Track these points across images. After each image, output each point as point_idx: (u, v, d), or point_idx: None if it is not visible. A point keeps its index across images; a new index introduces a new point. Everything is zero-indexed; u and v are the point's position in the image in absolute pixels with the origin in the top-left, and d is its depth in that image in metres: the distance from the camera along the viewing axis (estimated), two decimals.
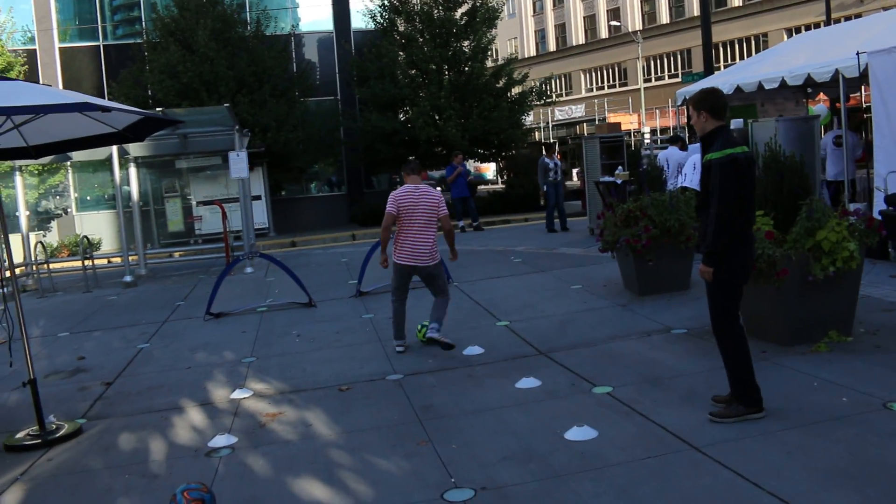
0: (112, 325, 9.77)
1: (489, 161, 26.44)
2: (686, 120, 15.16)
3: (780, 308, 5.86)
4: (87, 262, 13.30)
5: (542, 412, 5.19)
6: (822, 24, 23.15)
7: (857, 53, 9.77)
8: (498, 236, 16.57)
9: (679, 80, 43.04)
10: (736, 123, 11.38)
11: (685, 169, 11.46)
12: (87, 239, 13.81)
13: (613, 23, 46.56)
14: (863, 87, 10.71)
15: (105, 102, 5.58)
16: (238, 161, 13.10)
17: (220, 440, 5.20)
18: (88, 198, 25.76)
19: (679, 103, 14.26)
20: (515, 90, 24.88)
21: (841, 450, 4.12)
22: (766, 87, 11.81)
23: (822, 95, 16.34)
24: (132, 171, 14.11)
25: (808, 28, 31.81)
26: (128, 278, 13.04)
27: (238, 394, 6.29)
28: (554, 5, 54.59)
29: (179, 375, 7.10)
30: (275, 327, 8.79)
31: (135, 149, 14.11)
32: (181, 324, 9.52)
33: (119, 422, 5.87)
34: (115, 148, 13.01)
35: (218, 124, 13.51)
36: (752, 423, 4.58)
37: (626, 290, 8.70)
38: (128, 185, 14.65)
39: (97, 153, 14.40)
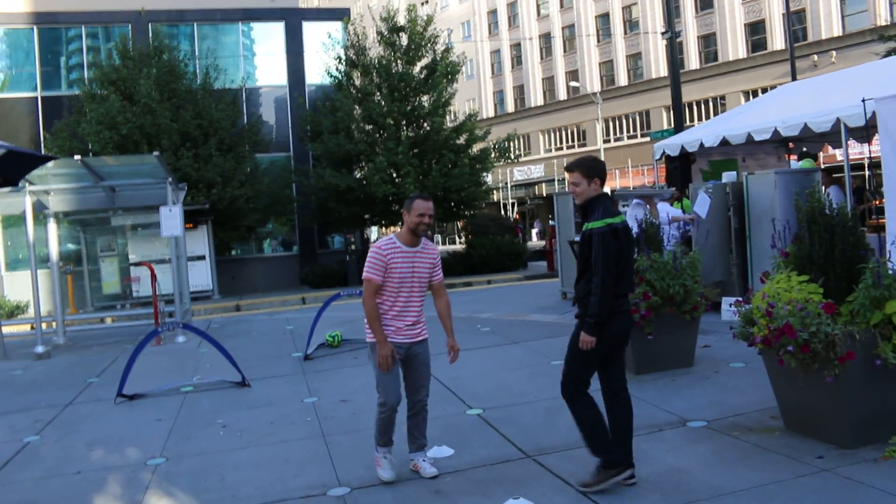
0: (2, 408, 8.11)
1: (449, 221, 25.22)
2: (665, 176, 14.15)
3: (840, 400, 4.57)
4: None
5: None
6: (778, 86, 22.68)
7: (864, 100, 8.76)
8: (461, 300, 15.17)
9: (638, 140, 42.87)
10: (728, 177, 10.31)
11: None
12: None
13: (573, 83, 46.38)
14: (846, 142, 9.87)
15: None
16: (170, 217, 11.61)
17: None
18: (20, 256, 23.81)
19: (657, 157, 13.23)
20: (476, 147, 23.86)
21: None
22: (757, 138, 10.79)
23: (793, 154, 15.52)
24: (51, 227, 12.52)
25: (765, 91, 31.65)
26: (39, 349, 11.33)
27: None
28: (512, 67, 54.50)
29: (62, 485, 5.51)
30: (197, 414, 7.24)
31: (55, 203, 12.57)
32: (86, 408, 7.90)
33: None
34: (27, 202, 11.45)
35: (149, 176, 12.03)
36: None
37: None
38: (46, 243, 13.01)
39: (12, 207, 12.80)
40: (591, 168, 4.59)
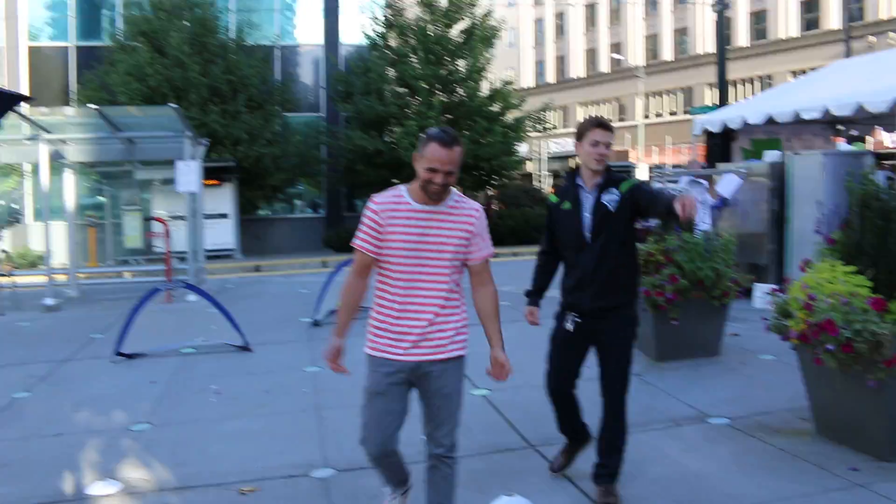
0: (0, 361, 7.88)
1: (479, 189, 24.70)
2: (705, 154, 13.49)
3: (882, 407, 4.07)
4: (7, 279, 11.43)
5: None
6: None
7: None
8: None
9: (679, 117, 41.74)
10: (771, 156, 9.68)
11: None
12: (6, 252, 11.91)
13: (616, 56, 45.26)
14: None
15: None
16: (187, 172, 11.29)
17: None
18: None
19: (697, 133, 12.57)
20: (511, 115, 23.24)
21: None
22: (805, 116, 10.11)
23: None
24: (69, 177, 12.28)
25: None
26: (48, 301, 11.14)
27: (100, 487, 4.41)
28: (555, 37, 53.36)
29: (40, 447, 5.22)
30: (193, 378, 6.92)
31: (72, 153, 12.31)
32: (83, 365, 7.64)
33: None
34: (43, 151, 11.20)
35: (168, 129, 11.69)
36: None
37: (640, 353, 6.84)
38: (62, 193, 12.79)
39: (29, 156, 12.56)
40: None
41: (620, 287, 3.89)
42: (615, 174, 3.92)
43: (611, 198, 3.81)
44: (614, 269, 3.83)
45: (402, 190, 3.24)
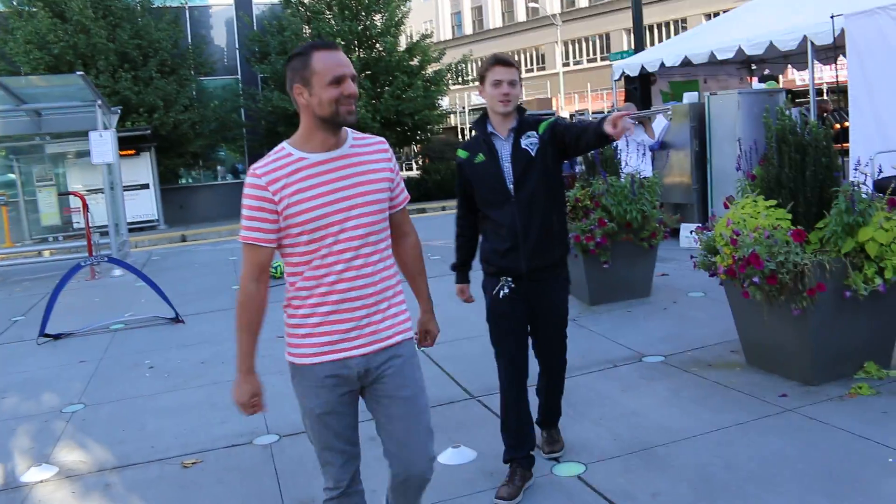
0: None
1: (404, 145, 24.50)
2: (623, 98, 13.64)
3: (806, 335, 4.23)
4: None
5: None
6: None
7: (832, 17, 8.31)
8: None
9: (598, 63, 42.07)
10: (689, 97, 9.86)
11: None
12: None
13: (532, 4, 45.20)
14: (812, 61, 9.43)
15: None
16: (101, 143, 10.86)
17: None
18: None
19: (616, 77, 12.70)
20: (431, 69, 23.02)
21: None
22: (720, 56, 10.32)
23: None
24: None
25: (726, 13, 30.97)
26: None
27: (35, 473, 4.27)
28: None
29: None
30: (125, 354, 6.75)
31: None
32: (7, 349, 7.36)
33: None
34: None
35: (76, 98, 11.19)
36: None
37: (574, 298, 6.96)
38: None
39: None
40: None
41: (555, 241, 3.47)
42: (530, 116, 3.50)
43: (530, 141, 3.39)
44: (546, 221, 3.41)
45: (285, 147, 2.43)
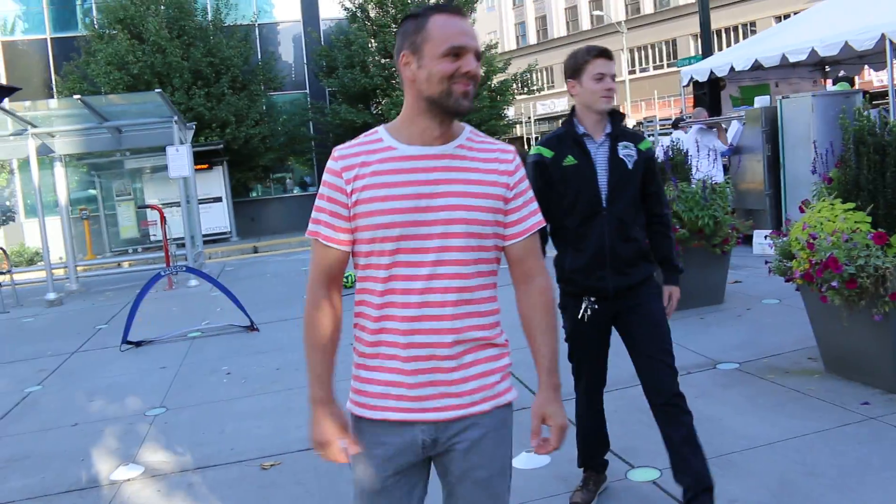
0: (9, 357, 7.90)
1: None
2: (693, 104, 13.46)
3: (889, 341, 4.12)
4: (6, 277, 11.44)
5: None
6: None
7: None
8: None
9: (665, 70, 41.53)
10: (761, 101, 9.70)
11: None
12: (3, 251, 11.89)
13: (597, 12, 44.93)
14: (891, 60, 9.14)
15: None
16: (177, 157, 11.24)
17: None
18: None
19: (685, 83, 12.54)
20: (497, 79, 23.13)
21: None
22: (791, 59, 10.10)
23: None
24: (59, 171, 12.20)
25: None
26: (50, 296, 11.15)
27: (123, 472, 4.46)
28: None
29: (59, 437, 5.25)
30: (203, 361, 6.97)
31: (60, 146, 12.23)
32: (92, 356, 7.67)
33: None
34: (31, 145, 11.13)
35: (154, 115, 11.63)
36: None
37: None
38: (53, 188, 12.74)
39: (18, 151, 12.49)
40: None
41: (644, 260, 3.17)
42: (626, 125, 3.18)
43: (628, 153, 3.09)
44: (635, 238, 3.12)
45: (378, 131, 1.96)
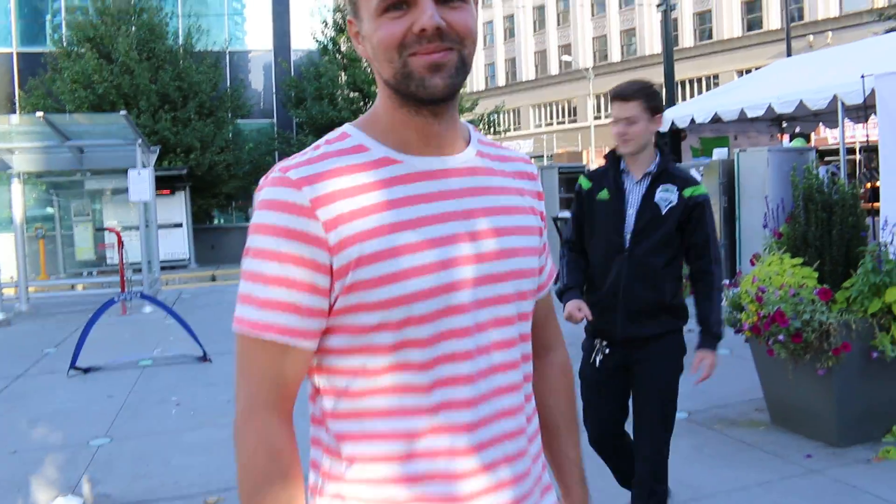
0: None
1: None
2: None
3: (832, 395, 4.22)
4: None
5: None
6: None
7: (863, 76, 8.37)
8: None
9: None
10: (719, 153, 9.93)
11: None
12: None
13: (565, 58, 45.79)
14: (842, 120, 9.52)
15: None
16: (139, 181, 11.13)
17: None
18: None
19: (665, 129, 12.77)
20: (464, 118, 23.37)
21: None
22: (750, 114, 10.37)
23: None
24: (16, 188, 12.00)
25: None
26: None
27: (61, 502, 4.35)
28: (504, 39, 53.77)
29: None
30: (152, 390, 6.84)
31: (19, 162, 12.04)
32: (38, 381, 7.48)
33: None
34: None
35: (118, 136, 11.52)
36: None
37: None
38: (9, 204, 12.52)
39: None
40: (654, 97, 3.02)
41: (666, 314, 3.09)
42: (676, 168, 3.05)
43: (667, 196, 2.94)
44: (659, 290, 3.00)
45: (349, 133, 1.21)
